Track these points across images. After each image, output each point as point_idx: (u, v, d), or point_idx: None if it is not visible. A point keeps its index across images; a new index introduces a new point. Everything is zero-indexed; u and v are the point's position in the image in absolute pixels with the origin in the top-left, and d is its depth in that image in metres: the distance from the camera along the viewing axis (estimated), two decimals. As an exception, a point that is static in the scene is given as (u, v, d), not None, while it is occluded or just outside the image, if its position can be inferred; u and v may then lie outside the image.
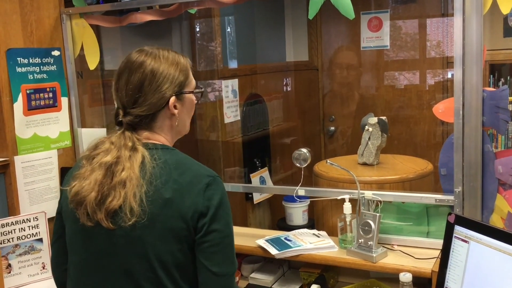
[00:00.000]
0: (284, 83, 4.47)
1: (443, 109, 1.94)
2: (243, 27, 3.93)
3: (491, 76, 3.74)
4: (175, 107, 1.46)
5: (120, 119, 1.44)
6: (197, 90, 1.53)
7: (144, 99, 1.41)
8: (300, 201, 3.03)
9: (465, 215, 1.87)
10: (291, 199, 2.98)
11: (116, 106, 1.48)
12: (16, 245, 2.22)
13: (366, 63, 4.34)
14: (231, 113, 3.56)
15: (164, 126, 1.48)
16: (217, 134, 3.55)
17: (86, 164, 1.42)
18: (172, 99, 1.44)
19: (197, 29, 3.61)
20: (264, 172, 3.87)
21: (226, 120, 3.52)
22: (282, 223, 3.33)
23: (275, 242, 2.15)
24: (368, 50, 4.24)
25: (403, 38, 4.19)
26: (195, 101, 1.54)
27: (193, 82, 1.52)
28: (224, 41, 3.69)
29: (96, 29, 2.68)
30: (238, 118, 3.63)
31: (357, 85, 4.40)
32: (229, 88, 3.56)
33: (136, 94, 1.42)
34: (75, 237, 1.45)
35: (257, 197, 3.69)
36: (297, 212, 3.17)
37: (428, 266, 1.86)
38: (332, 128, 4.51)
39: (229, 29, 3.79)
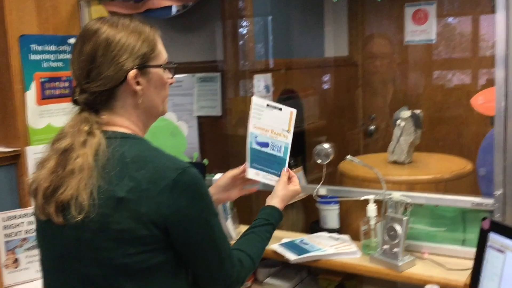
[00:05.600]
0: (321, 79, 4.27)
1: (482, 100, 1.72)
2: (279, 21, 3.77)
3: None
4: (138, 83, 1.27)
5: (76, 98, 1.28)
6: (167, 65, 1.35)
7: (98, 71, 1.24)
8: (335, 203, 2.84)
9: (506, 221, 1.64)
10: (326, 200, 2.80)
11: None
12: (24, 239, 2.13)
13: (410, 59, 4.10)
14: (263, 109, 3.40)
15: (127, 105, 1.29)
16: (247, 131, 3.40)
17: (48, 150, 1.30)
18: (132, 72, 1.25)
19: (230, 21, 3.47)
20: (299, 172, 3.68)
21: (258, 117, 3.36)
22: (315, 226, 3.14)
23: (290, 246, 1.98)
24: (412, 45, 3.99)
25: (451, 33, 3.93)
26: (168, 79, 1.36)
27: (162, 55, 1.34)
28: (258, 35, 3.53)
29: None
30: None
31: (400, 82, 4.16)
32: (261, 83, 3.41)
33: (89, 66, 1.24)
34: (38, 235, 1.35)
35: (289, 198, 3.50)
36: (332, 215, 2.95)
37: (461, 278, 1.64)
38: (373, 127, 4.27)
39: (263, 23, 3.63)
